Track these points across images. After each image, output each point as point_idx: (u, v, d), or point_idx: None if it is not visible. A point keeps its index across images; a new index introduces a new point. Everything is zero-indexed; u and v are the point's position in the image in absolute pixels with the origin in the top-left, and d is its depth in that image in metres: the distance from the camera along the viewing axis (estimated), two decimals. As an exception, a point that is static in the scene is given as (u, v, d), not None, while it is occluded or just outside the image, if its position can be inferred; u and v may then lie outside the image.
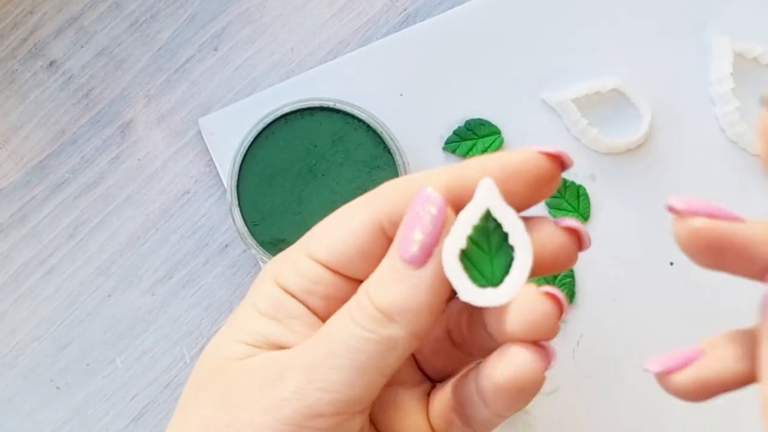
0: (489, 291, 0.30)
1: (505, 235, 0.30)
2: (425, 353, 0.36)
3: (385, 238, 0.32)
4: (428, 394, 0.36)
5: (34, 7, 0.51)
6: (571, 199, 0.49)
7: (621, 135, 0.50)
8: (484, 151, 0.49)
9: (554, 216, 0.49)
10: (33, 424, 0.49)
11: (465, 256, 0.30)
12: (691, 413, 0.49)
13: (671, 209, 0.29)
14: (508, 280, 0.30)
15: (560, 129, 0.50)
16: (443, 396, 0.34)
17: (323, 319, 0.33)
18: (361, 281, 0.33)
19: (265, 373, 0.31)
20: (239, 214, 0.47)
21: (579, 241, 0.32)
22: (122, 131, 0.50)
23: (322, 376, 0.30)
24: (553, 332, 0.30)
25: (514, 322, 0.30)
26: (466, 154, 0.49)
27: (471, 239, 0.30)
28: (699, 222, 0.28)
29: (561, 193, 0.49)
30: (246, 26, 0.51)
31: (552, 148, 0.31)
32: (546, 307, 0.30)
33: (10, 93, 0.50)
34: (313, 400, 0.30)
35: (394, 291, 0.30)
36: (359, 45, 0.51)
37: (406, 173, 0.47)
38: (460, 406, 0.33)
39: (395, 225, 0.32)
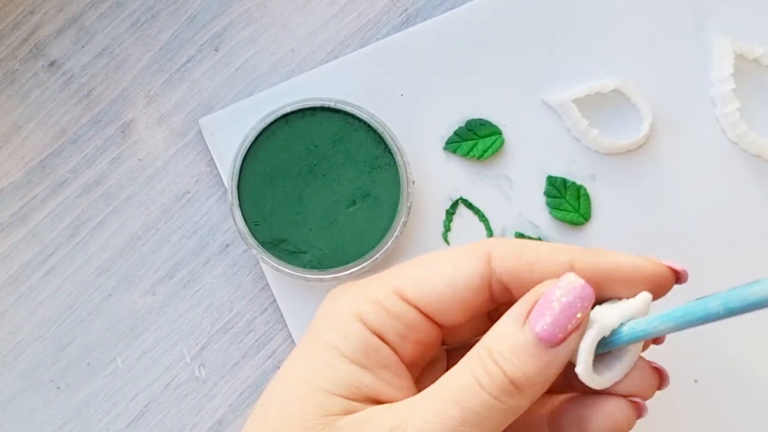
0: (600, 377, 0.33)
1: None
2: None
3: (488, 295, 0.34)
4: None
5: (35, 7, 0.51)
6: (571, 200, 0.49)
7: (622, 136, 0.50)
8: (485, 151, 0.49)
9: (553, 215, 0.49)
10: (33, 424, 0.49)
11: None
12: (693, 414, 0.49)
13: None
14: (612, 372, 0.34)
15: (561, 129, 0.50)
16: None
17: (408, 366, 0.34)
18: (444, 327, 0.34)
19: None
20: (240, 214, 0.47)
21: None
22: (123, 131, 0.50)
23: None
24: (651, 395, 0.35)
25: (625, 388, 0.34)
26: (466, 154, 0.49)
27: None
28: None
29: (561, 193, 0.49)
30: (247, 26, 0.51)
31: (679, 266, 0.35)
32: (654, 379, 0.35)
33: (11, 93, 0.50)
34: None
35: (530, 366, 0.31)
36: (360, 45, 0.51)
37: (406, 173, 0.47)
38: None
39: (504, 286, 0.33)
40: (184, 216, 0.50)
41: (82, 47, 0.51)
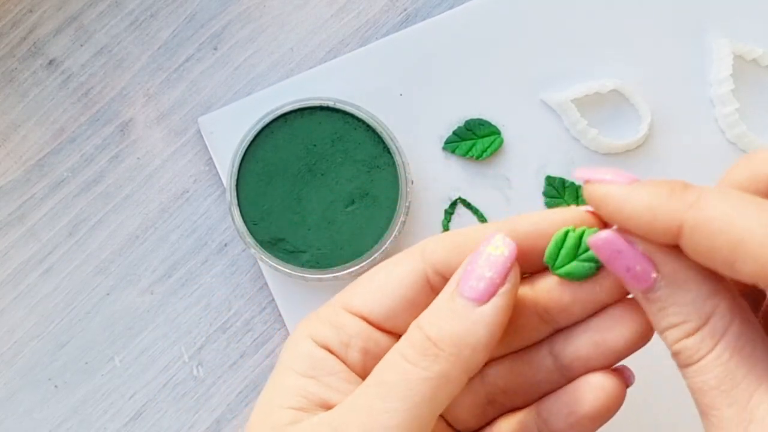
0: None
1: None
2: (457, 412, 0.36)
3: (430, 290, 0.33)
4: None
5: (34, 5, 0.51)
6: (570, 200, 0.49)
7: (620, 136, 0.50)
8: (484, 150, 0.49)
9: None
10: (31, 423, 0.49)
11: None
12: (690, 413, 0.49)
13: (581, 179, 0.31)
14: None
15: (560, 129, 0.50)
16: None
17: (360, 374, 0.33)
18: (401, 336, 0.33)
19: None
20: (238, 213, 0.47)
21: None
22: (122, 130, 0.50)
23: (380, 423, 0.30)
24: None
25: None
26: (465, 154, 0.49)
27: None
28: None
29: (560, 193, 0.49)
30: (246, 25, 0.51)
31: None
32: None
33: (10, 91, 0.50)
34: None
35: (451, 325, 0.30)
36: (359, 45, 0.51)
37: (405, 173, 0.47)
38: None
39: (441, 276, 0.33)
40: (182, 215, 0.50)
41: (81, 46, 0.50)
